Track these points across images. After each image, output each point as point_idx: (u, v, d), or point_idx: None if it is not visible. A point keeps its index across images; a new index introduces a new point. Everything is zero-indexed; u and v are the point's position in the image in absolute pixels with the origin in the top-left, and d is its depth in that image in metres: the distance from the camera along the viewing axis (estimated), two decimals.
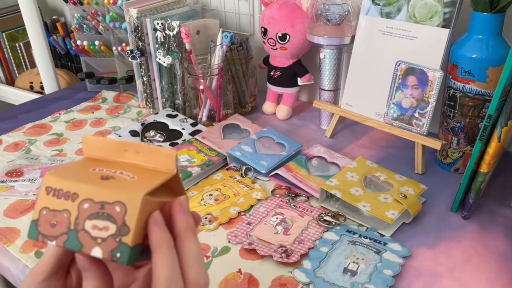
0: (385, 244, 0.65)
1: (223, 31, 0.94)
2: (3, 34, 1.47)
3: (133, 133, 0.90)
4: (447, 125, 0.79)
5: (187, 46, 0.93)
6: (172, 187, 0.38)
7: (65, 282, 0.38)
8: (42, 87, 1.37)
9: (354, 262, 0.62)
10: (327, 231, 0.68)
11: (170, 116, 0.98)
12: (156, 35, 0.96)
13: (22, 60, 1.53)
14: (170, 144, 0.89)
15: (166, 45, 0.95)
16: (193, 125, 0.96)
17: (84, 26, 1.16)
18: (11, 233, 0.70)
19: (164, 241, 0.33)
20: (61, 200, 0.33)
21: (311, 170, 0.80)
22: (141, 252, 0.34)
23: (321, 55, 0.91)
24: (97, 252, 0.32)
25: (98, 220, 0.32)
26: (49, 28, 1.47)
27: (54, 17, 1.50)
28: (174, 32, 0.93)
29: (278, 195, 0.77)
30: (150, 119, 0.96)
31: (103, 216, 0.32)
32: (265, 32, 0.97)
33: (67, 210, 0.33)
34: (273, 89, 1.04)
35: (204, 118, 1.00)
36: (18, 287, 0.68)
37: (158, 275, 0.33)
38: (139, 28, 0.97)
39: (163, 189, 0.36)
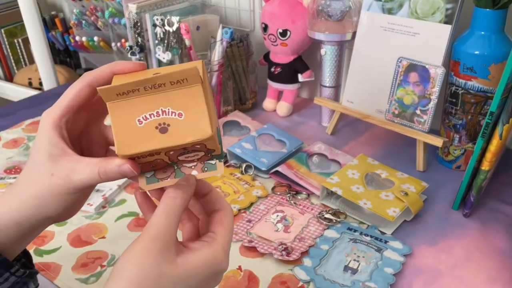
0: (386, 242, 0.65)
1: (223, 27, 0.94)
2: (2, 30, 1.46)
3: None
4: (449, 122, 0.79)
5: (187, 42, 0.92)
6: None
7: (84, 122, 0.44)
8: (41, 83, 1.36)
9: (354, 260, 0.62)
10: (327, 228, 0.68)
11: None
12: (155, 31, 0.95)
13: (20, 56, 1.53)
14: None
15: (166, 41, 0.95)
16: None
17: (83, 22, 1.15)
18: None
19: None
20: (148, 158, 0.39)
21: (311, 168, 0.80)
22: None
23: (322, 52, 0.91)
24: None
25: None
26: (48, 24, 1.46)
27: (52, 12, 1.49)
28: (174, 28, 0.93)
29: (278, 193, 0.76)
30: None
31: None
32: (265, 28, 0.97)
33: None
34: (273, 85, 1.03)
35: None
36: None
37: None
38: (139, 24, 0.97)
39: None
